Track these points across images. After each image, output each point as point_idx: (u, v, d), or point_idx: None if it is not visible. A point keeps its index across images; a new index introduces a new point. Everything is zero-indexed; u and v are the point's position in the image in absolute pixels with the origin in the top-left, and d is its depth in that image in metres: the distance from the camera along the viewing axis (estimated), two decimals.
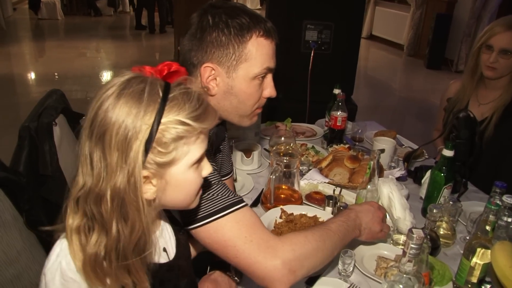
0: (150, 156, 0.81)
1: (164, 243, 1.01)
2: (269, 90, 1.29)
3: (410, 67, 8.46)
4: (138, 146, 0.79)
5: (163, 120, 0.80)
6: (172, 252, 1.02)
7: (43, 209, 1.44)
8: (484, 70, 2.08)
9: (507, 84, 2.08)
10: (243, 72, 1.20)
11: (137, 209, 0.82)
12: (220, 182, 1.12)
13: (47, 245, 1.42)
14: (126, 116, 0.78)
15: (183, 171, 0.86)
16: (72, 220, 0.83)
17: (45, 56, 8.27)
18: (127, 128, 0.78)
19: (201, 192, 0.97)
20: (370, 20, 10.27)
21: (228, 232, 1.05)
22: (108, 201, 0.80)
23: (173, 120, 0.81)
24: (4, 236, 1.26)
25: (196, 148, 0.86)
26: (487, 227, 1.23)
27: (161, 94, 0.81)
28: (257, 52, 1.20)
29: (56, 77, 6.54)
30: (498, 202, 1.22)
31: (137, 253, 0.84)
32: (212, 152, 1.33)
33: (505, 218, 1.20)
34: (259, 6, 15.20)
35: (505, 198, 1.25)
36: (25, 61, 7.79)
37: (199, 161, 0.89)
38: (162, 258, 0.99)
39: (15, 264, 1.28)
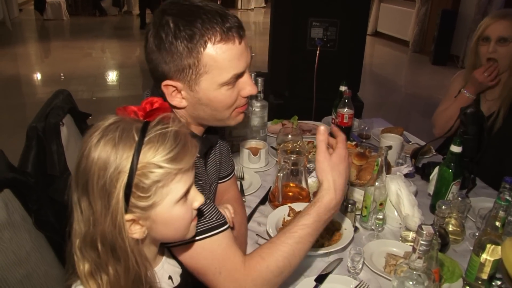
0: (132, 200, 0.82)
1: (169, 272, 1.04)
2: (248, 89, 1.18)
3: (416, 63, 8.43)
4: (117, 193, 0.80)
5: (139, 165, 0.80)
6: (176, 280, 1.05)
7: (51, 210, 1.45)
8: (485, 63, 2.06)
9: (508, 78, 2.06)
10: (206, 84, 1.11)
11: (126, 251, 0.83)
12: (206, 202, 1.08)
13: (55, 246, 1.43)
14: (104, 164, 0.80)
15: (168, 209, 0.86)
16: (83, 266, 0.86)
17: (50, 57, 8.30)
18: (105, 176, 0.80)
19: (196, 221, 0.97)
20: (375, 16, 10.24)
21: (202, 261, 1.06)
22: (99, 245, 0.82)
23: (148, 164, 0.81)
24: (14, 236, 1.26)
25: (177, 186, 0.86)
26: (497, 223, 1.22)
27: (136, 139, 0.81)
28: (218, 62, 1.08)
29: (62, 77, 6.57)
30: (508, 197, 1.21)
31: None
32: (203, 162, 1.29)
33: None
34: (263, 4, 15.20)
35: None
36: (31, 61, 7.84)
37: (185, 195, 0.88)
38: (168, 286, 1.02)
39: (25, 265, 1.29)
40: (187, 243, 1.04)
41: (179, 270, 1.07)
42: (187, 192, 0.89)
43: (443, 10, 7.85)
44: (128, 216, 0.83)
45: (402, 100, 6.28)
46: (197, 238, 1.04)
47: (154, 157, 0.81)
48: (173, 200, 0.86)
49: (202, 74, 1.09)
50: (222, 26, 1.06)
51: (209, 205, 1.10)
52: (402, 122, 4.97)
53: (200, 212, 1.04)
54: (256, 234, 1.45)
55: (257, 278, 1.07)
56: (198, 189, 0.95)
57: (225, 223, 1.10)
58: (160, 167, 0.81)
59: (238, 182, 1.73)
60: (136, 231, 0.86)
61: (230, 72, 1.11)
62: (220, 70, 1.09)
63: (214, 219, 1.08)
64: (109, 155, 0.80)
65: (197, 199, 0.92)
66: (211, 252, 1.06)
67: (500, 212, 1.20)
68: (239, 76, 1.14)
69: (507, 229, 1.23)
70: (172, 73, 1.10)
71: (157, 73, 1.12)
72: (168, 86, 1.12)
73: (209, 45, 1.06)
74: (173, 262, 1.07)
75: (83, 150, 0.82)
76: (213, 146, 1.40)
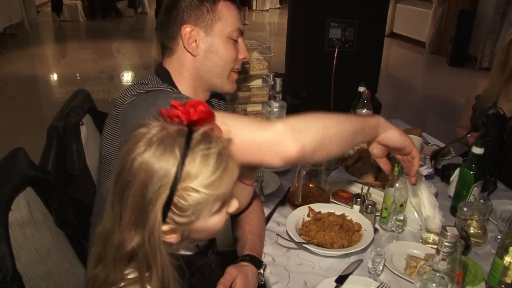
0: (170, 214, 0.83)
1: (195, 241, 1.03)
2: (244, 53, 1.47)
3: (432, 64, 8.36)
4: (156, 211, 0.80)
5: (179, 187, 0.80)
6: (201, 246, 1.07)
7: (71, 208, 1.46)
8: None
9: None
10: (218, 30, 1.37)
11: (154, 257, 0.83)
12: None
13: (75, 244, 1.44)
14: (144, 182, 0.80)
15: (204, 221, 0.88)
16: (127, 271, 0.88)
17: (67, 58, 8.40)
18: (144, 195, 0.80)
19: (228, 220, 0.98)
20: (391, 17, 10.16)
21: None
22: (113, 248, 0.84)
23: (188, 188, 0.81)
24: (36, 234, 1.28)
25: (214, 206, 0.86)
26: None
27: (178, 158, 0.80)
28: (228, 13, 1.37)
29: (78, 78, 6.64)
30: None
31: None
32: None
33: None
34: (278, 5, 15.20)
35: None
36: (48, 62, 7.93)
37: (221, 208, 0.90)
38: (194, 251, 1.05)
39: (46, 262, 1.30)
40: None
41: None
42: (224, 205, 0.90)
43: (460, 11, 7.74)
44: (165, 227, 0.84)
45: (418, 102, 6.22)
46: None
47: (194, 181, 0.81)
48: (209, 214, 0.87)
49: (217, 20, 1.36)
50: None
51: None
52: (419, 123, 4.92)
53: None
54: (277, 234, 1.44)
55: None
56: None
57: None
58: (198, 192, 0.82)
59: (257, 184, 1.73)
60: (172, 237, 0.87)
61: (235, 25, 1.40)
62: (228, 20, 1.38)
63: None
64: (151, 174, 0.80)
65: (232, 205, 0.94)
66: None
67: None
68: (239, 34, 1.43)
69: None
70: (192, 19, 1.35)
71: (178, 21, 1.35)
72: (187, 28, 1.34)
73: (222, 0, 1.37)
74: None
75: (125, 160, 0.83)
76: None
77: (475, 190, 1.56)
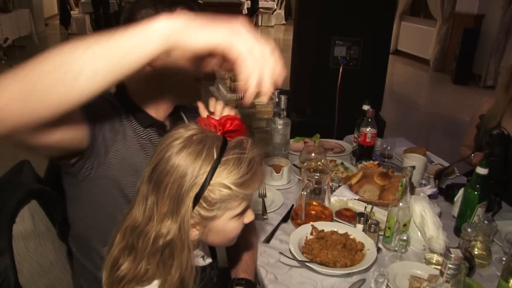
0: (197, 208, 0.91)
1: (202, 253, 1.12)
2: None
3: (437, 82, 8.37)
4: (189, 201, 0.89)
5: (211, 182, 0.89)
6: (208, 258, 1.14)
7: None
8: None
9: None
10: None
11: (182, 250, 0.91)
12: None
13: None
14: (182, 173, 0.88)
15: (224, 222, 0.97)
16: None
17: None
18: (181, 184, 0.88)
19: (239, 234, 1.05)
20: (396, 35, 10.20)
21: None
22: (150, 240, 0.90)
23: (220, 183, 0.90)
24: (38, 247, 1.28)
25: (238, 206, 0.96)
26: None
27: (215, 156, 0.89)
28: None
29: None
30: None
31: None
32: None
33: None
34: (283, 22, 15.31)
35: None
36: None
37: (241, 213, 0.99)
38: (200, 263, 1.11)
39: (48, 275, 1.30)
40: None
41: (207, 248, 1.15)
42: (243, 212, 0.99)
43: (465, 29, 7.77)
44: (191, 221, 0.92)
45: (422, 120, 6.22)
46: None
47: (226, 178, 0.90)
48: (230, 216, 0.96)
49: None
50: (187, 1, 1.22)
51: None
52: (423, 142, 4.92)
53: None
54: (279, 252, 1.44)
55: None
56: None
57: None
58: (229, 188, 0.90)
59: (260, 200, 1.73)
60: (194, 232, 0.95)
61: None
62: None
63: None
64: (189, 166, 0.88)
65: (249, 216, 1.03)
66: None
67: None
68: None
69: None
70: None
71: None
72: None
73: (178, 9, 1.18)
74: (206, 246, 1.15)
75: (163, 152, 0.90)
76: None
77: (480, 211, 1.56)
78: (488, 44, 7.50)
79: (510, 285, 1.19)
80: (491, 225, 1.51)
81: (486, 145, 1.78)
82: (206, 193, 0.89)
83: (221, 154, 0.90)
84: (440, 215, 1.62)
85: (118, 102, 1.24)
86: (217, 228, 0.97)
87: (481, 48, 7.65)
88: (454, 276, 0.99)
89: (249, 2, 13.61)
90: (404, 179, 1.46)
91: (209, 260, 1.15)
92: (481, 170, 1.53)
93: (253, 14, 13.19)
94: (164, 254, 0.91)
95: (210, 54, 0.84)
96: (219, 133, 0.96)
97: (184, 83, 1.27)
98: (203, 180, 0.88)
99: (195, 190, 0.88)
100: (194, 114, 1.45)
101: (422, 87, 8.26)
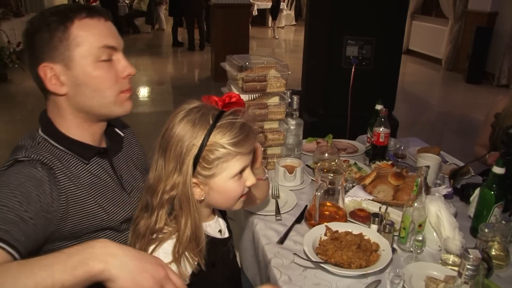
0: (198, 168, 1.08)
1: (219, 226, 1.26)
2: (126, 70, 1.23)
3: (449, 81, 8.29)
4: (189, 161, 1.06)
5: (208, 143, 1.05)
6: (225, 233, 1.28)
7: None
8: None
9: None
10: (79, 58, 1.13)
11: (189, 204, 1.08)
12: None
13: None
14: (182, 137, 1.06)
15: (224, 181, 1.11)
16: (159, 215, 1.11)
17: None
18: (182, 146, 1.06)
19: (244, 198, 1.19)
20: (407, 34, 10.14)
21: None
22: (159, 194, 1.08)
23: (215, 144, 1.06)
24: None
25: (235, 164, 1.10)
26: None
27: (211, 122, 1.06)
28: (87, 34, 1.14)
29: None
30: None
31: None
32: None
33: None
34: (294, 22, 15.30)
35: None
36: None
37: (240, 173, 1.12)
38: (218, 237, 1.24)
39: None
40: None
41: (225, 225, 1.30)
42: (242, 171, 1.12)
43: (478, 27, 7.69)
44: (193, 179, 1.08)
45: (435, 119, 6.17)
46: None
47: (221, 139, 1.06)
48: (229, 175, 1.10)
49: (74, 48, 1.13)
50: (87, 7, 1.17)
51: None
52: (436, 141, 4.88)
53: None
54: (293, 253, 1.43)
55: None
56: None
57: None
58: (224, 147, 1.06)
59: (274, 200, 1.73)
60: (196, 193, 1.10)
61: (100, 43, 1.15)
62: (90, 42, 1.14)
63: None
64: (187, 131, 1.05)
65: (250, 179, 1.16)
66: None
67: None
68: (111, 50, 1.19)
69: None
70: (47, 56, 1.13)
71: (34, 62, 1.15)
72: (44, 67, 1.14)
73: (76, 21, 1.13)
74: (222, 221, 1.29)
75: (169, 123, 1.08)
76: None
77: (496, 211, 1.53)
78: (502, 42, 7.42)
79: None
80: (509, 226, 1.48)
81: (502, 144, 1.76)
82: (204, 153, 1.05)
83: (216, 120, 1.06)
84: (455, 216, 1.60)
85: (51, 141, 1.19)
86: (218, 187, 1.11)
87: (494, 46, 7.57)
88: (472, 277, 0.98)
89: (258, 3, 13.68)
90: (419, 179, 1.44)
91: (226, 234, 1.28)
92: (498, 170, 1.51)
93: (275, 15, 13.18)
94: (174, 207, 1.09)
95: None
96: (220, 106, 1.16)
97: (105, 100, 1.20)
98: (200, 141, 1.04)
99: (194, 150, 1.05)
100: (127, 129, 1.48)
101: (434, 87, 8.19)
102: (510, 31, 7.26)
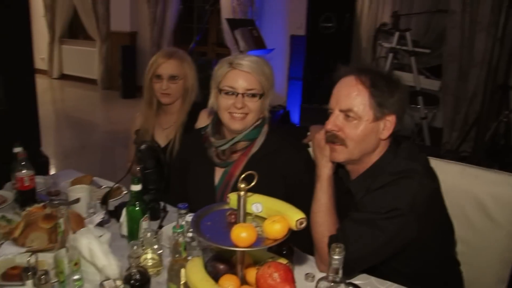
0: None
1: None
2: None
3: (107, 100, 8.61)
4: None
5: None
6: None
7: None
8: (161, 97, 2.29)
9: (180, 106, 2.33)
10: None
11: None
12: None
13: None
14: None
15: None
16: None
17: None
18: None
19: None
20: (59, 59, 9.98)
21: None
22: None
23: None
24: None
25: None
26: (180, 249, 1.33)
27: None
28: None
29: None
30: (182, 223, 1.34)
31: None
32: None
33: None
34: None
35: (187, 217, 1.38)
36: None
37: None
38: None
39: None
40: None
41: None
42: None
43: (122, 46, 8.33)
44: None
45: (103, 139, 6.26)
46: None
47: None
48: None
49: None
50: None
51: None
52: (108, 161, 4.99)
53: None
54: None
55: None
56: None
57: None
58: None
59: None
60: None
61: None
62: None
63: None
64: None
65: None
66: None
67: (179, 238, 1.32)
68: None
69: (189, 250, 1.34)
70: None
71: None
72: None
73: None
74: None
75: None
76: None
77: (144, 224, 1.64)
78: (145, 58, 8.11)
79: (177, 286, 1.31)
80: (157, 233, 1.61)
81: (139, 160, 1.90)
82: None
83: None
84: (113, 240, 1.64)
85: None
86: None
87: (139, 62, 8.30)
88: None
89: None
90: (61, 220, 1.42)
91: None
92: (135, 187, 1.62)
93: None
94: None
95: None
96: None
97: None
98: None
99: None
100: None
101: (95, 107, 8.34)
102: (149, 48, 8.11)
